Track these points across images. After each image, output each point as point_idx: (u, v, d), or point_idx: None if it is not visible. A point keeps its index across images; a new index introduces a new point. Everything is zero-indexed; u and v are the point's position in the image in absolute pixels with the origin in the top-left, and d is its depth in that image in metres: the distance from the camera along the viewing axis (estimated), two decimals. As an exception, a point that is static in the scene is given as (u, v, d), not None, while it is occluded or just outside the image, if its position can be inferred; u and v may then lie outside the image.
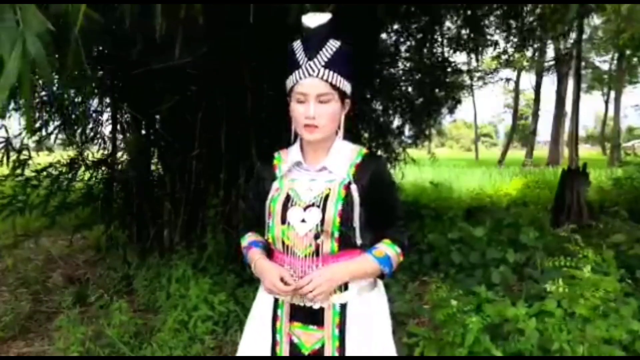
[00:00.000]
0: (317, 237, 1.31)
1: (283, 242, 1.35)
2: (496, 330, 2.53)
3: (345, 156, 1.38)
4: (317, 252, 1.32)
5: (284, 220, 1.34)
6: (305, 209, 1.32)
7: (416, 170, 10.79)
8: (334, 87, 1.30)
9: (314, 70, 1.28)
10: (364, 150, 1.42)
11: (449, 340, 2.41)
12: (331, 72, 1.29)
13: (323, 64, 1.29)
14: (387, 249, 1.38)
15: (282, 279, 1.32)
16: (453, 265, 4.09)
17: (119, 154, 4.63)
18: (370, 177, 1.35)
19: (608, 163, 18.59)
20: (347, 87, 1.34)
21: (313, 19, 1.32)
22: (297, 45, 1.33)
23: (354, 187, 1.33)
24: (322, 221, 1.30)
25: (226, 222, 4.05)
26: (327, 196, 1.32)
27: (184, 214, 4.16)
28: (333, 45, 1.31)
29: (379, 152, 6.10)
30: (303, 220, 1.32)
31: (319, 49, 1.30)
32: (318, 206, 1.31)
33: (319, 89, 1.29)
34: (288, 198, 1.35)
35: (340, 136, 1.39)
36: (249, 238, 1.52)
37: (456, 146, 55.48)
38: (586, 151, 34.41)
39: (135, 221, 4.44)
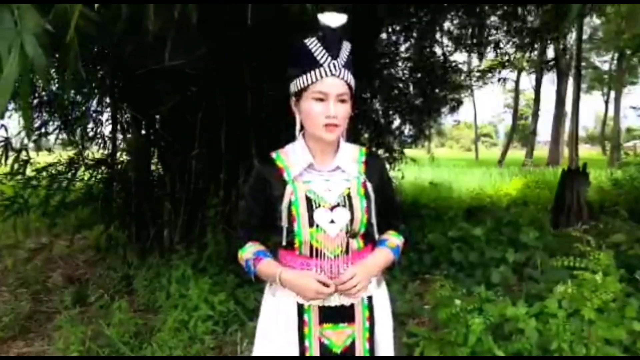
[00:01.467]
0: (353, 236, 1.33)
1: (311, 246, 1.32)
2: (497, 330, 2.53)
3: (351, 155, 1.40)
4: (347, 251, 1.34)
5: (312, 223, 1.31)
6: (331, 209, 1.32)
7: (416, 170, 10.79)
8: (349, 87, 1.32)
9: (337, 70, 1.28)
10: (365, 149, 1.45)
11: (451, 339, 2.40)
12: (348, 73, 1.31)
13: (343, 64, 1.30)
14: (395, 239, 1.45)
15: (320, 282, 1.30)
16: (453, 264, 4.09)
17: (119, 154, 4.63)
18: (378, 174, 1.41)
19: (608, 163, 18.58)
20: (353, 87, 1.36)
21: (334, 19, 1.30)
22: (314, 43, 1.30)
23: (369, 184, 1.36)
24: (352, 220, 1.32)
25: (226, 222, 4.05)
26: (348, 195, 1.34)
27: (184, 214, 4.16)
28: (347, 46, 1.32)
29: (379, 152, 6.11)
30: (332, 221, 1.32)
31: (339, 48, 1.30)
32: (344, 206, 1.32)
33: (340, 88, 1.29)
34: (309, 200, 1.32)
35: (344, 136, 1.41)
36: (252, 248, 1.43)
37: (456, 146, 55.48)
38: (586, 151, 34.41)
39: (135, 221, 4.43)
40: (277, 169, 1.37)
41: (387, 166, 1.49)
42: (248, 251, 1.43)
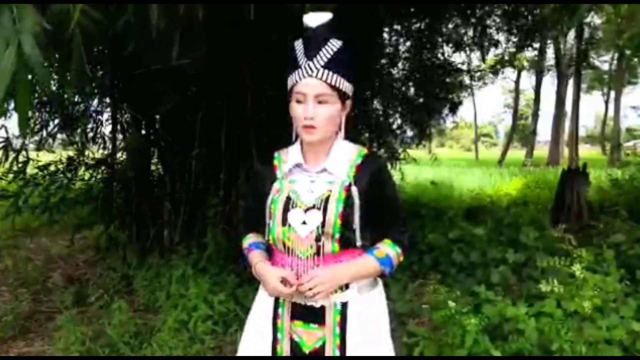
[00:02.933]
0: (318, 239, 1.31)
1: (284, 244, 1.35)
2: (496, 331, 2.53)
3: (345, 157, 1.37)
4: (318, 252, 1.33)
5: (284, 222, 1.34)
6: (306, 211, 1.32)
7: (416, 170, 10.79)
8: (333, 87, 1.28)
9: (312, 71, 1.27)
10: (365, 151, 1.41)
11: (449, 341, 2.41)
12: (330, 73, 1.28)
13: (322, 64, 1.27)
14: (387, 249, 1.39)
15: (283, 280, 1.32)
16: (453, 265, 4.09)
17: (119, 154, 4.63)
18: (370, 178, 1.35)
19: (608, 163, 18.58)
20: (347, 87, 1.33)
21: (314, 19, 1.32)
22: (298, 44, 1.32)
23: (354, 188, 1.32)
24: (323, 223, 1.30)
25: (226, 222, 4.05)
26: (327, 198, 1.32)
27: (184, 214, 4.15)
28: (334, 45, 1.30)
29: (380, 152, 6.10)
30: (304, 222, 1.32)
31: (319, 49, 1.29)
32: (319, 208, 1.31)
33: (317, 89, 1.28)
34: (289, 199, 1.35)
35: (341, 137, 1.39)
36: (249, 239, 1.51)
37: (456, 146, 55.48)
38: (586, 151, 34.42)
39: (135, 221, 4.43)
40: (273, 167, 1.43)
41: (389, 170, 1.41)
42: (246, 242, 1.52)
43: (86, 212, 4.55)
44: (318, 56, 1.28)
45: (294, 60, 1.31)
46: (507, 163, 21.03)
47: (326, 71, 1.27)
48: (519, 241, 4.17)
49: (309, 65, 1.28)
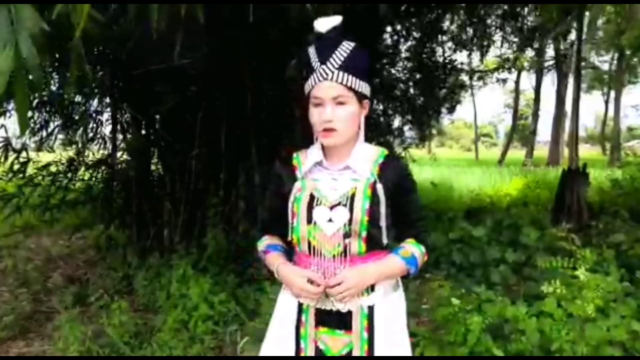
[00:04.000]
0: (346, 236, 1.29)
1: (309, 243, 1.32)
2: (497, 330, 2.53)
3: (367, 156, 1.36)
4: (345, 252, 1.30)
5: (309, 220, 1.31)
6: (331, 208, 1.30)
7: (416, 170, 10.77)
8: (349, 88, 1.28)
9: (327, 74, 1.27)
10: (386, 152, 1.40)
11: (450, 340, 2.40)
12: (345, 74, 1.27)
13: (337, 66, 1.27)
14: (413, 248, 1.37)
15: (309, 281, 1.29)
16: (453, 265, 4.09)
17: (119, 154, 4.63)
18: (394, 177, 1.34)
19: (608, 163, 18.57)
20: (364, 87, 1.32)
21: (324, 23, 1.32)
22: (311, 50, 1.32)
23: (379, 186, 1.31)
24: (350, 220, 1.29)
25: (226, 222, 4.05)
26: (353, 195, 1.30)
27: (184, 214, 4.15)
28: (347, 46, 1.30)
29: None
30: (330, 220, 1.30)
31: (332, 51, 1.29)
32: (345, 205, 1.30)
33: (333, 91, 1.27)
34: (312, 197, 1.33)
35: (362, 138, 1.38)
36: (265, 241, 1.47)
37: (456, 146, 55.45)
38: (586, 151, 34.38)
39: (135, 221, 4.43)
40: (292, 167, 1.41)
41: (411, 170, 1.42)
42: (262, 244, 1.47)
43: (86, 212, 4.55)
44: (331, 59, 1.28)
45: (309, 66, 1.31)
46: (507, 163, 21.01)
47: (341, 73, 1.27)
48: (519, 241, 4.17)
49: (322, 69, 1.28)
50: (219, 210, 4.05)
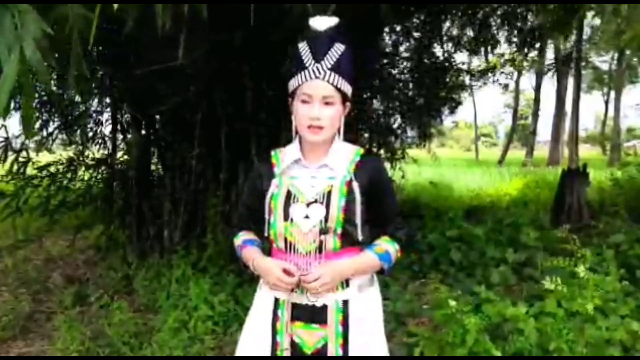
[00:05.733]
0: (322, 232, 1.32)
1: (285, 239, 1.36)
2: (496, 330, 2.53)
3: (344, 155, 1.40)
4: (319, 248, 1.33)
5: (286, 217, 1.34)
6: (308, 205, 1.34)
7: (416, 170, 10.78)
8: (337, 89, 1.32)
9: (320, 73, 1.31)
10: (362, 150, 1.44)
11: (449, 340, 2.41)
12: (336, 76, 1.32)
13: (329, 66, 1.31)
14: (387, 245, 1.40)
15: (285, 271, 1.32)
16: (453, 264, 4.09)
17: (119, 154, 4.64)
18: (369, 175, 1.38)
19: (608, 163, 18.57)
20: (348, 89, 1.37)
21: (321, 22, 1.35)
22: (304, 46, 1.35)
23: (355, 184, 1.35)
24: (326, 217, 1.32)
25: (226, 222, 4.05)
26: (329, 192, 1.34)
27: (184, 214, 4.16)
28: (339, 49, 1.34)
29: (380, 152, 6.10)
30: (306, 217, 1.33)
31: (326, 52, 1.32)
32: (321, 202, 1.33)
33: (324, 91, 1.31)
34: (289, 195, 1.36)
35: (340, 137, 1.41)
36: (242, 236, 1.51)
37: (456, 146, 55.41)
38: (586, 151, 34.37)
39: (135, 221, 4.43)
40: (271, 164, 1.45)
41: (387, 169, 1.45)
42: (239, 239, 1.51)
43: (86, 212, 4.55)
44: (325, 59, 1.31)
45: (299, 62, 1.34)
46: (507, 163, 21.01)
47: (333, 74, 1.31)
48: (519, 241, 4.18)
49: (317, 67, 1.31)
50: (219, 210, 4.04)
